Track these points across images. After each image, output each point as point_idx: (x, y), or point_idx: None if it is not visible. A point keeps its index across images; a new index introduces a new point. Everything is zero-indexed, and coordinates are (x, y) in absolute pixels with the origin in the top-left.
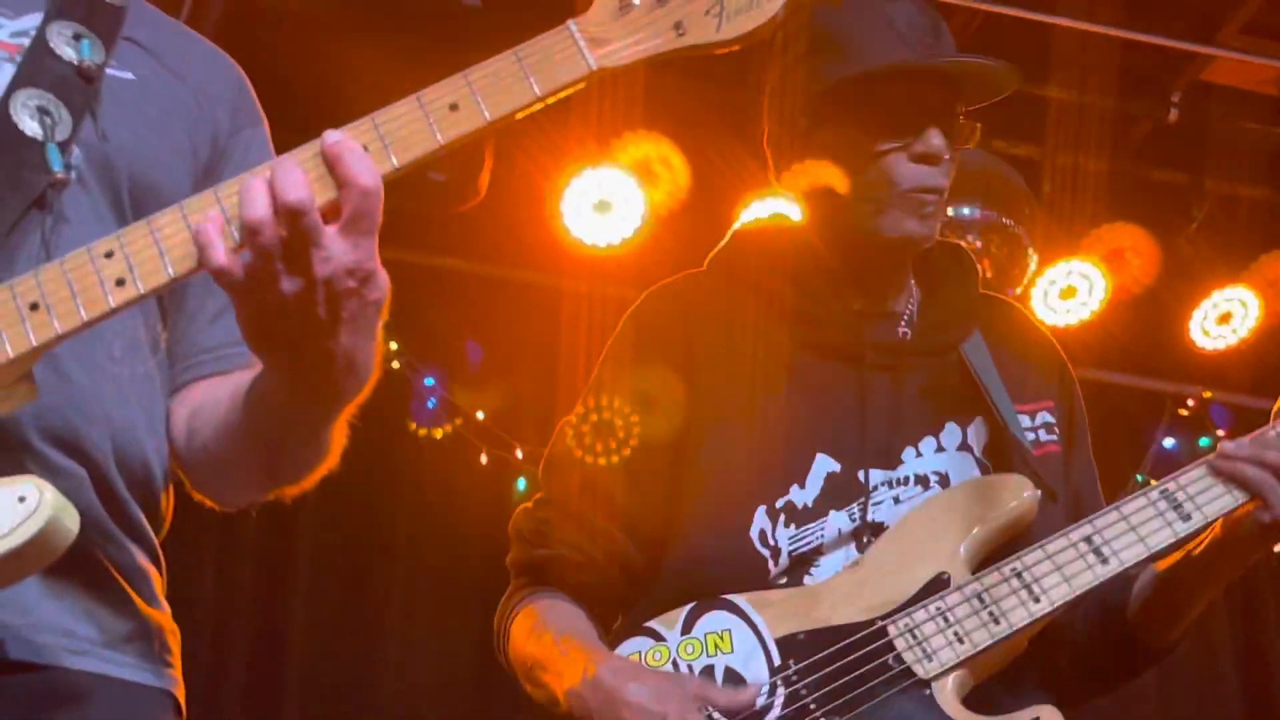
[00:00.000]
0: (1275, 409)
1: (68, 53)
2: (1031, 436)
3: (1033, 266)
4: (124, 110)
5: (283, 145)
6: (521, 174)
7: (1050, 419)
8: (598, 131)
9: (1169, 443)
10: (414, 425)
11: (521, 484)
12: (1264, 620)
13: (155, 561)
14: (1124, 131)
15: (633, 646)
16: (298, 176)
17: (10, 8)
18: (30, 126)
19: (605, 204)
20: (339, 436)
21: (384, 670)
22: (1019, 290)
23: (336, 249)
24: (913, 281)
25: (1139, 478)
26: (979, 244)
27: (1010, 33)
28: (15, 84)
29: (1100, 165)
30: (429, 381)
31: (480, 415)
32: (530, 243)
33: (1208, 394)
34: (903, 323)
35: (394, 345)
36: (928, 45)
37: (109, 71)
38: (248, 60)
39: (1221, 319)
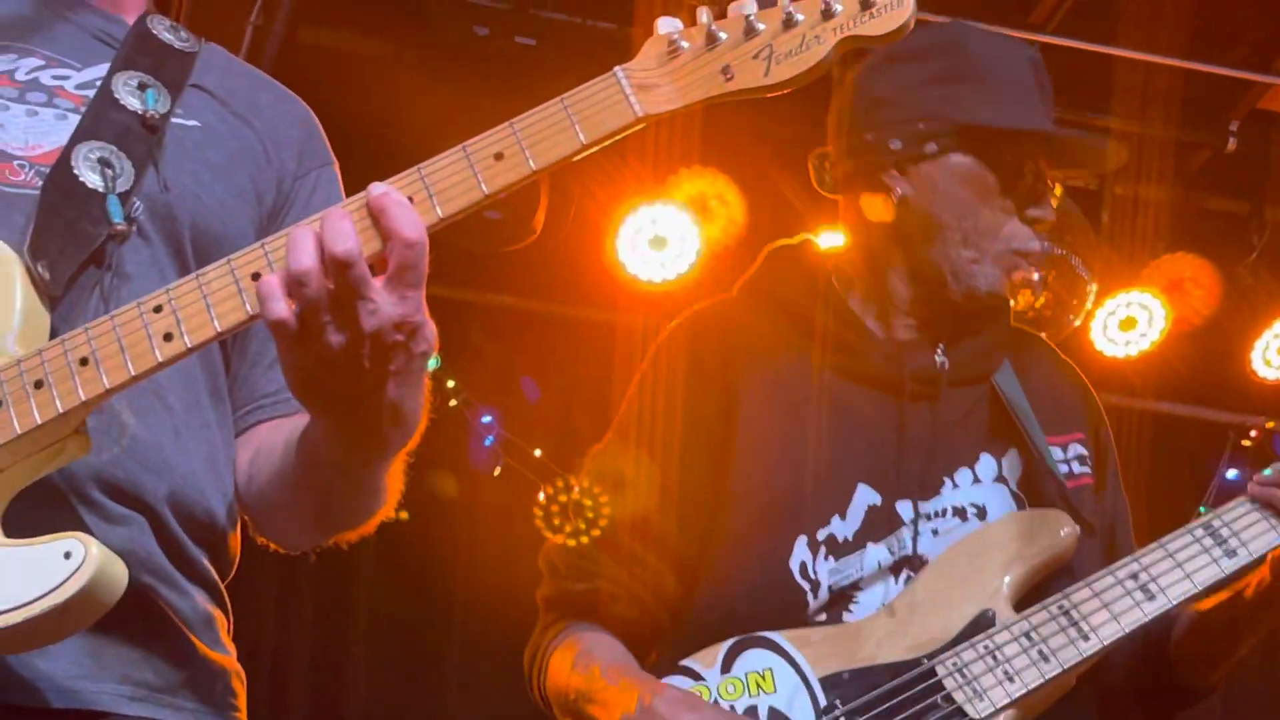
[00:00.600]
0: None
1: (132, 103)
2: (1065, 469)
3: (1092, 298)
4: (187, 158)
5: None
6: (577, 211)
7: (1082, 450)
8: (653, 168)
9: (1232, 474)
10: (471, 462)
11: None
12: None
13: (220, 604)
14: (1183, 161)
15: None
16: (346, 228)
17: (78, 59)
18: (91, 179)
19: (660, 240)
20: (395, 484)
21: (443, 711)
22: (1078, 322)
23: (383, 302)
24: None
25: (1202, 510)
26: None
27: (1070, 63)
28: (78, 136)
29: (1159, 195)
30: (486, 419)
31: (537, 452)
32: (586, 279)
33: (1270, 424)
34: (939, 351)
35: (451, 383)
36: (1052, 111)
37: (174, 120)
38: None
39: None
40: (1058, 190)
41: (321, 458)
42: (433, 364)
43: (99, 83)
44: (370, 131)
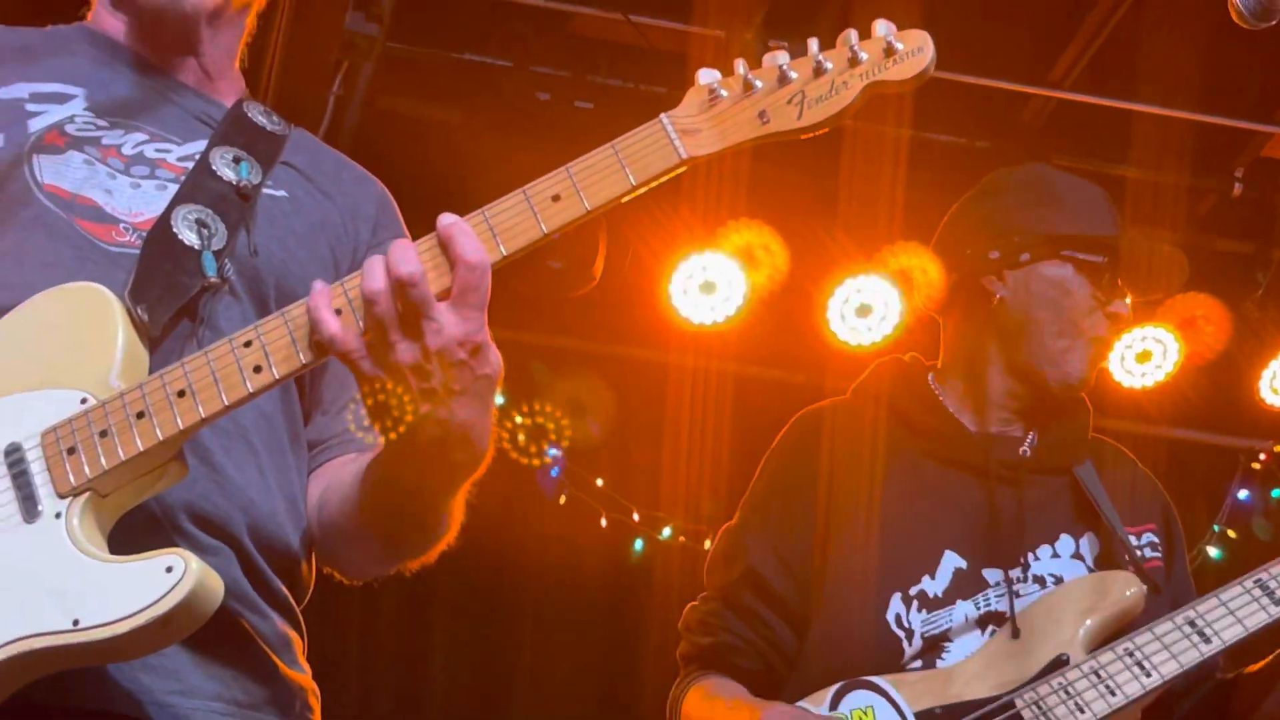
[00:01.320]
0: None
1: (227, 174)
2: (1139, 554)
3: None
4: (275, 226)
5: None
6: (633, 259)
7: (1155, 539)
8: (703, 219)
9: (1243, 495)
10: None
11: (639, 545)
12: None
13: (297, 627)
14: (1192, 206)
15: None
16: (410, 254)
17: (179, 135)
18: (189, 236)
19: (710, 285)
20: (457, 513)
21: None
22: None
23: (447, 320)
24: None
25: (1215, 528)
26: None
27: (1086, 116)
28: (177, 200)
29: (1171, 238)
30: (552, 451)
31: (599, 482)
32: (642, 322)
33: (1278, 448)
34: (1025, 445)
35: (519, 419)
36: (1120, 228)
37: (265, 190)
38: (380, 165)
39: None
40: (1129, 298)
41: (391, 480)
42: (499, 400)
43: (198, 155)
44: (442, 189)
